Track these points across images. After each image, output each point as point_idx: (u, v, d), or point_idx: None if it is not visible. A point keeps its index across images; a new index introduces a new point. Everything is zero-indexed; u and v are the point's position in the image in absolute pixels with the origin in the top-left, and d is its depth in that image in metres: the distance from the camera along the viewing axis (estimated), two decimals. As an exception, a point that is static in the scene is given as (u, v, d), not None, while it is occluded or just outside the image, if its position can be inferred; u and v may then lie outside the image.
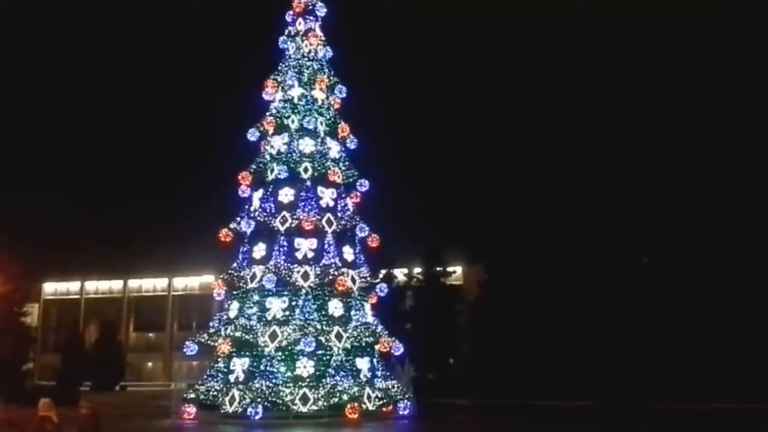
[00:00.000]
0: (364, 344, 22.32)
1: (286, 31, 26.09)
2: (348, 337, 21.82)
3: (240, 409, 20.46)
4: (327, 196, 24.05)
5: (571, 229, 35.34)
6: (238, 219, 23.65)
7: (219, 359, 22.33)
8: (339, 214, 23.97)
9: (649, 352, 30.38)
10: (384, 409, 22.05)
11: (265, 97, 25.16)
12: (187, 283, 62.78)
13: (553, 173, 41.12)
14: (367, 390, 21.61)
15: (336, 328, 21.76)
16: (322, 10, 26.28)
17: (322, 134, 24.80)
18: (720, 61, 51.84)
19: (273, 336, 21.36)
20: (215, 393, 21.49)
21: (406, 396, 22.62)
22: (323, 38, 26.22)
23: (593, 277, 33.82)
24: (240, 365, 21.74)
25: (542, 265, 35.60)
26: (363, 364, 22.35)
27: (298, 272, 22.30)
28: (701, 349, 29.36)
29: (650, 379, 28.93)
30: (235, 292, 23.12)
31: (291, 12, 26.16)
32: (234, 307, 23.03)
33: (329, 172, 23.84)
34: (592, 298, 32.89)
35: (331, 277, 22.36)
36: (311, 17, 26.15)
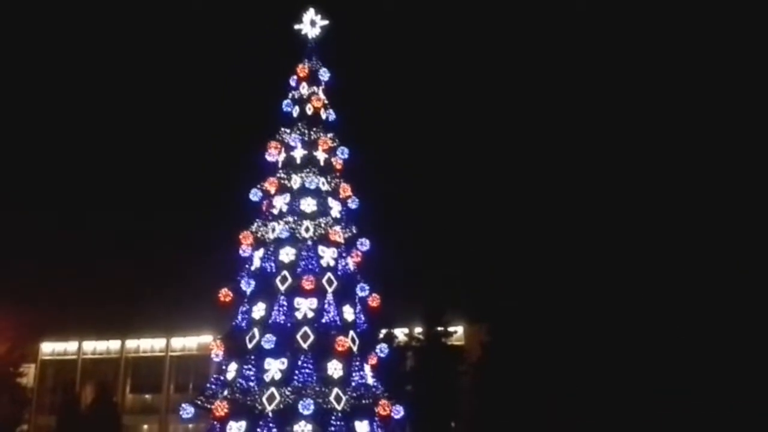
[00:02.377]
0: (363, 406, 21.95)
1: (290, 95, 26.76)
2: (347, 399, 21.49)
3: (236, 475, 19.98)
4: (328, 255, 24.10)
5: (576, 288, 35.25)
6: (238, 278, 23.65)
7: (215, 422, 21.91)
8: (339, 274, 23.98)
9: (658, 415, 29.87)
10: (384, 474, 21.51)
11: (268, 158, 25.59)
12: (185, 343, 62.10)
13: (557, 230, 41.29)
14: (367, 455, 21.14)
15: (335, 390, 21.46)
16: (325, 75, 27.05)
17: (323, 194, 25.10)
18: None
19: (271, 398, 21.05)
20: (211, 457, 21.02)
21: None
22: (326, 101, 26.86)
23: (599, 336, 33.54)
24: (237, 428, 21.28)
25: (546, 325, 35.34)
26: (362, 427, 21.90)
27: (297, 333, 22.15)
28: (711, 414, 28.85)
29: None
30: (233, 353, 22.88)
31: (295, 77, 26.91)
32: (232, 368, 22.76)
33: (330, 231, 24.00)
34: (597, 359, 32.54)
35: (330, 338, 22.19)
36: (315, 81, 26.87)
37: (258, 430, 20.83)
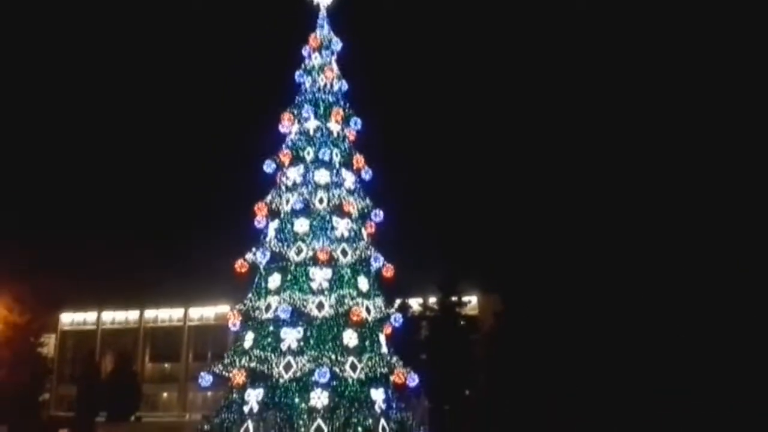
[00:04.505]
0: (378, 375, 22.17)
1: (303, 66, 26.58)
2: (362, 368, 21.72)
3: (254, 441, 20.40)
4: (342, 226, 24.15)
5: (589, 258, 35.18)
6: (254, 250, 23.79)
7: (233, 390, 22.28)
8: (354, 245, 24.05)
9: (670, 386, 29.96)
10: (399, 441, 21.86)
11: (282, 129, 25.55)
12: (203, 313, 62.94)
13: (570, 201, 41.10)
14: (382, 422, 21.45)
15: (350, 359, 21.69)
16: (338, 45, 26.79)
17: (337, 165, 25.05)
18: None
19: (287, 367, 21.35)
20: (230, 424, 21.41)
21: (421, 428, 22.41)
22: (339, 72, 26.66)
23: (612, 306, 33.53)
24: (254, 396, 21.65)
25: (559, 294, 35.37)
26: (378, 395, 22.18)
27: (312, 302, 22.37)
28: (721, 383, 28.89)
29: (673, 411, 28.51)
30: (250, 323, 23.15)
31: (307, 47, 26.70)
32: (249, 337, 23.04)
33: (344, 202, 24.01)
34: (611, 329, 32.59)
35: (345, 308, 22.38)
36: (327, 51, 26.65)
37: (275, 398, 21.17)
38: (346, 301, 22.61)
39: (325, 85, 26.05)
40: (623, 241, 35.05)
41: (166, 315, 64.44)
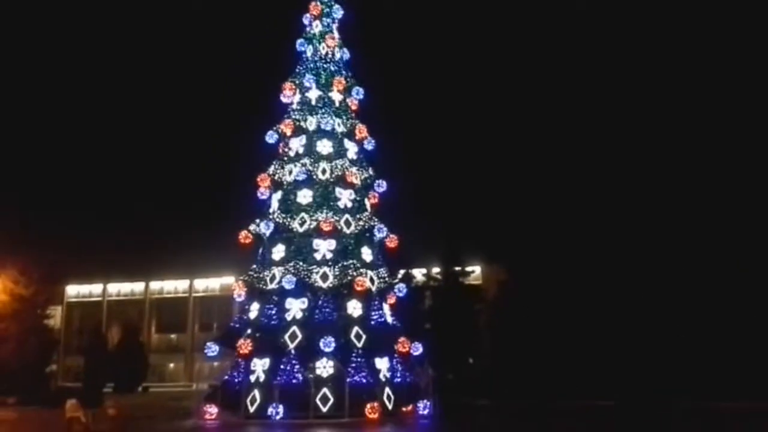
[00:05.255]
0: (383, 344, 22.37)
1: (304, 34, 26.26)
2: (367, 338, 21.91)
3: (261, 410, 20.65)
4: (345, 197, 24.13)
5: (591, 227, 35.13)
6: (258, 221, 23.82)
7: (240, 360, 22.49)
8: (357, 215, 24.05)
9: (670, 351, 30.14)
10: (404, 409, 22.13)
11: (284, 99, 25.35)
12: (208, 284, 63.26)
13: (572, 170, 40.91)
14: (387, 390, 21.69)
15: (355, 329, 21.86)
16: (338, 13, 26.45)
17: (339, 136, 24.93)
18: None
19: (293, 336, 21.53)
20: (236, 393, 21.68)
21: (426, 396, 22.64)
22: (340, 40, 26.36)
23: (613, 275, 33.57)
24: (261, 365, 21.86)
25: (562, 263, 35.39)
26: (382, 364, 22.39)
27: (317, 273, 22.45)
28: (723, 348, 29.06)
29: (671, 378, 28.69)
30: (255, 293, 23.28)
31: (308, 15, 26.35)
32: (254, 308, 23.21)
33: (347, 173, 23.94)
34: (612, 297, 32.69)
35: (349, 278, 22.46)
36: (328, 19, 26.32)
37: (282, 366, 21.37)
38: (350, 271, 22.70)
39: (327, 53, 25.80)
40: (625, 212, 34.94)
41: (172, 286, 64.80)
